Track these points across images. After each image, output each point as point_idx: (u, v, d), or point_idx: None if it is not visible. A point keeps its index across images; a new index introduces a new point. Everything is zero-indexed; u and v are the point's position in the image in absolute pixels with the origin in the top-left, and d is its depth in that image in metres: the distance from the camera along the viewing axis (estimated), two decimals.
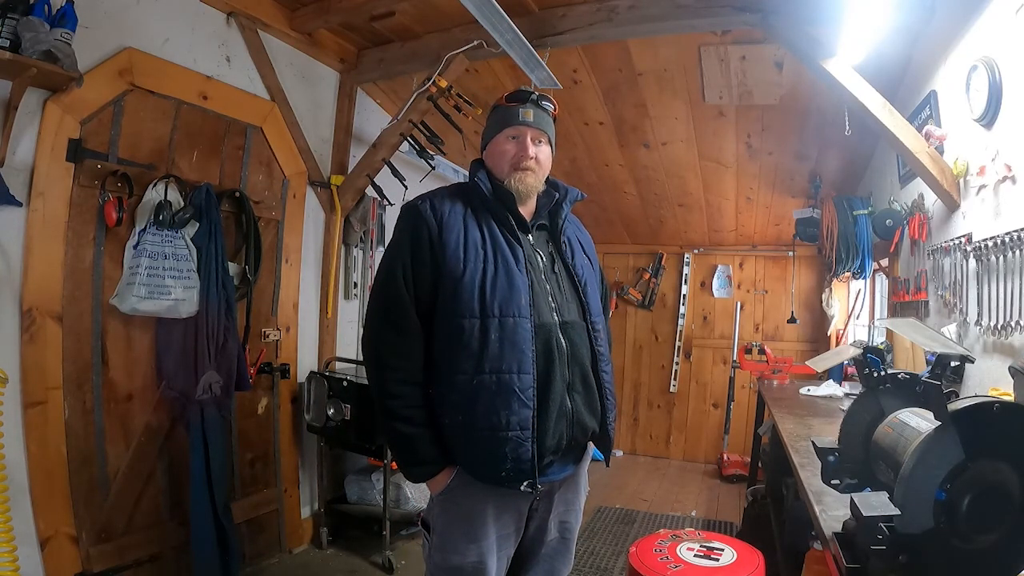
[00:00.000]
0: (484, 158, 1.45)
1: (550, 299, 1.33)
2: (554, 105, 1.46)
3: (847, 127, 2.51)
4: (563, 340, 1.31)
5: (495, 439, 1.22)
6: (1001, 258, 1.73)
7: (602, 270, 1.60)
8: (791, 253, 4.47)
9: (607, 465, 1.58)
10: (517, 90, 1.43)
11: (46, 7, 1.81)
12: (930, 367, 1.23)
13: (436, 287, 1.29)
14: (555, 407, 1.27)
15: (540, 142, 1.41)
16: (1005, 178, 1.76)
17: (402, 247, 1.32)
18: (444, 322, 1.28)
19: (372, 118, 3.37)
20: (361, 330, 1.42)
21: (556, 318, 1.32)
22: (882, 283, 3.53)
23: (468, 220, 1.34)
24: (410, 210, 1.36)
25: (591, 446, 1.45)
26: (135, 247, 2.14)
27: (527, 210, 1.41)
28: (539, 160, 1.39)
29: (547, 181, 1.46)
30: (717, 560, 1.70)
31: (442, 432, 1.29)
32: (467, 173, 1.45)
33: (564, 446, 1.31)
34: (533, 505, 1.35)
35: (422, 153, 3.05)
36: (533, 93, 1.41)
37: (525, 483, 1.25)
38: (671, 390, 4.96)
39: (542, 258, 1.38)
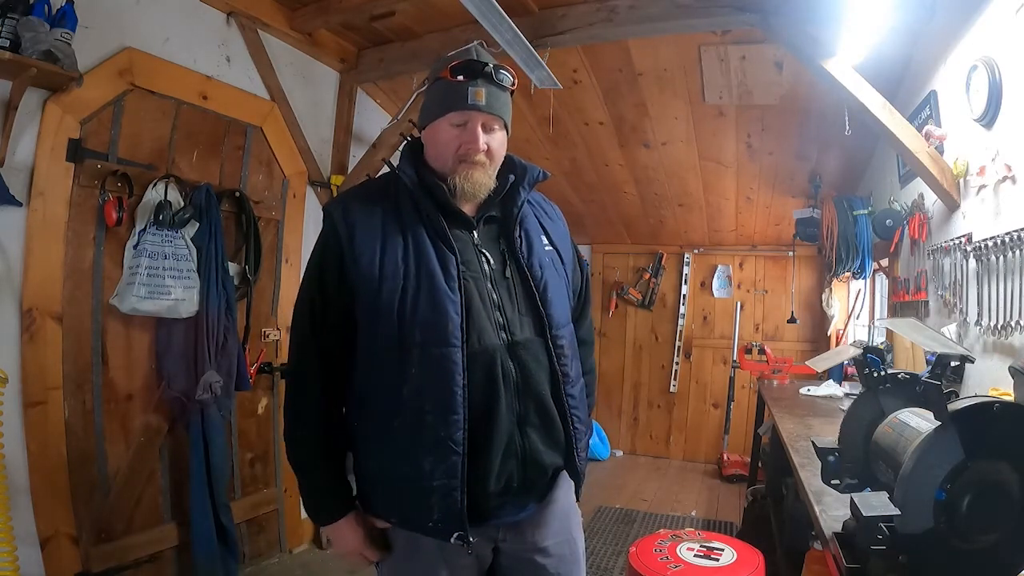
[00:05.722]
0: (423, 139, 1.18)
1: (497, 314, 1.09)
2: (513, 78, 1.16)
3: (847, 127, 2.50)
4: (511, 366, 1.08)
5: (418, 489, 1.04)
6: (1001, 258, 1.73)
7: (580, 256, 1.34)
8: (791, 253, 4.47)
9: (577, 499, 1.27)
10: (466, 60, 1.11)
11: (46, 7, 1.81)
12: (930, 367, 1.23)
13: (353, 311, 1.09)
14: (499, 447, 1.05)
15: (492, 129, 1.13)
16: (1005, 178, 1.76)
17: (311, 274, 1.14)
18: (363, 351, 1.10)
19: (372, 118, 3.37)
20: None
21: (504, 338, 1.08)
22: (882, 283, 3.53)
23: (389, 225, 1.10)
24: (325, 218, 1.14)
25: (563, 474, 1.20)
26: (135, 247, 2.14)
27: (474, 202, 1.16)
28: (491, 151, 1.12)
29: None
30: (717, 560, 1.70)
31: (365, 475, 1.13)
32: None
33: (516, 488, 1.10)
34: (498, 537, 1.15)
35: None
36: (487, 64, 1.11)
37: (455, 535, 1.04)
38: (671, 390, 4.96)
39: (489, 261, 1.13)
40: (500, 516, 1.12)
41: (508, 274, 1.14)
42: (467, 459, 1.03)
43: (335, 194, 3.05)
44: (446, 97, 1.12)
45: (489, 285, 1.11)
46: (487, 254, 1.14)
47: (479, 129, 1.11)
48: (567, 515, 1.23)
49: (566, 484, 1.23)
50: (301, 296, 1.16)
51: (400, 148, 1.22)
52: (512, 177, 1.18)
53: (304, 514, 2.96)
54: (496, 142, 1.14)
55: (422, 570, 1.11)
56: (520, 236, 1.17)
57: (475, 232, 1.14)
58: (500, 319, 1.10)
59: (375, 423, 1.09)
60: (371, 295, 1.06)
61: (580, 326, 1.30)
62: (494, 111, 1.12)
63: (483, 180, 1.12)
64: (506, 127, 1.17)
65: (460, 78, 1.10)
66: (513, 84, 1.16)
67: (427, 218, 1.11)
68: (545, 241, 1.22)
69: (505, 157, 1.19)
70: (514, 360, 1.09)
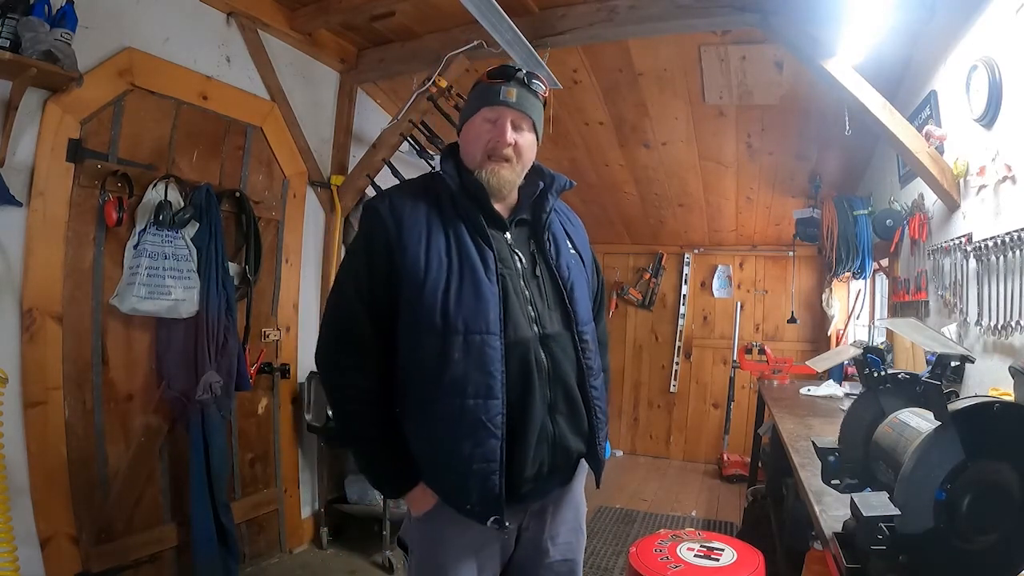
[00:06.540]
0: (459, 142, 1.28)
1: (529, 308, 1.18)
2: (544, 85, 1.27)
3: (847, 127, 2.50)
4: (543, 356, 1.16)
5: (459, 472, 1.10)
6: (1001, 258, 1.73)
7: (597, 262, 1.43)
8: (791, 253, 4.47)
9: (597, 486, 1.34)
10: (501, 66, 1.23)
11: (46, 7, 1.81)
12: (930, 367, 1.23)
13: (397, 299, 1.16)
14: (534, 432, 1.13)
15: (522, 128, 1.22)
16: (1005, 178, 1.76)
17: (357, 258, 1.21)
18: (405, 338, 1.16)
19: (372, 118, 3.37)
20: None
21: (536, 330, 1.17)
22: (882, 283, 3.53)
23: (432, 221, 1.18)
24: (367, 211, 1.23)
25: (583, 462, 1.30)
26: (135, 247, 2.14)
27: (506, 204, 1.25)
28: (519, 148, 1.21)
29: (531, 168, 1.30)
30: (717, 560, 1.70)
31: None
32: None
33: (546, 473, 1.18)
34: (522, 524, 1.24)
35: (422, 153, 3.05)
36: (520, 70, 1.22)
37: (491, 519, 1.11)
38: (671, 390, 4.96)
39: (521, 260, 1.22)
40: (530, 499, 1.20)
41: (538, 273, 1.23)
42: (505, 444, 1.10)
43: (335, 194, 3.06)
44: (481, 96, 1.23)
45: (521, 282, 1.19)
46: (519, 253, 1.22)
47: (508, 124, 1.19)
48: (578, 507, 1.34)
49: (582, 474, 1.32)
50: (342, 283, 1.21)
51: (439, 152, 1.31)
52: (542, 184, 1.27)
53: (304, 513, 2.97)
54: (525, 141, 1.23)
55: (452, 529, 1.17)
56: (549, 239, 1.26)
57: (508, 233, 1.23)
58: (532, 313, 1.18)
59: (417, 408, 1.16)
60: (415, 287, 1.13)
61: (596, 327, 1.37)
62: (524, 109, 1.21)
63: (509, 177, 1.21)
64: (536, 131, 1.26)
65: (495, 80, 1.21)
66: (544, 92, 1.26)
67: (466, 216, 1.19)
68: (570, 245, 1.31)
69: (534, 165, 1.28)
70: (546, 351, 1.17)
